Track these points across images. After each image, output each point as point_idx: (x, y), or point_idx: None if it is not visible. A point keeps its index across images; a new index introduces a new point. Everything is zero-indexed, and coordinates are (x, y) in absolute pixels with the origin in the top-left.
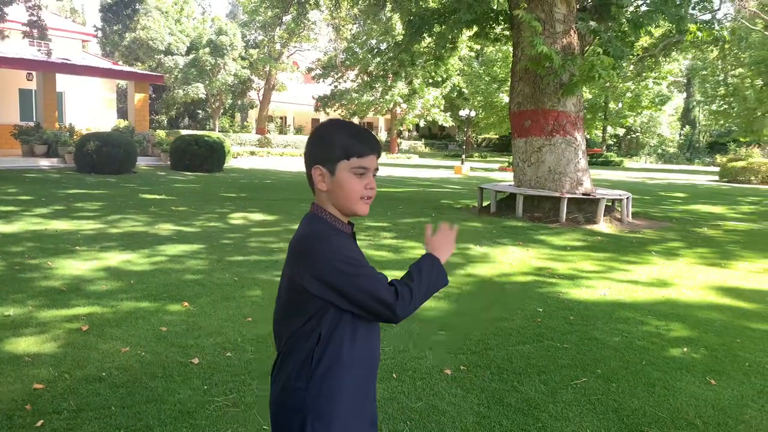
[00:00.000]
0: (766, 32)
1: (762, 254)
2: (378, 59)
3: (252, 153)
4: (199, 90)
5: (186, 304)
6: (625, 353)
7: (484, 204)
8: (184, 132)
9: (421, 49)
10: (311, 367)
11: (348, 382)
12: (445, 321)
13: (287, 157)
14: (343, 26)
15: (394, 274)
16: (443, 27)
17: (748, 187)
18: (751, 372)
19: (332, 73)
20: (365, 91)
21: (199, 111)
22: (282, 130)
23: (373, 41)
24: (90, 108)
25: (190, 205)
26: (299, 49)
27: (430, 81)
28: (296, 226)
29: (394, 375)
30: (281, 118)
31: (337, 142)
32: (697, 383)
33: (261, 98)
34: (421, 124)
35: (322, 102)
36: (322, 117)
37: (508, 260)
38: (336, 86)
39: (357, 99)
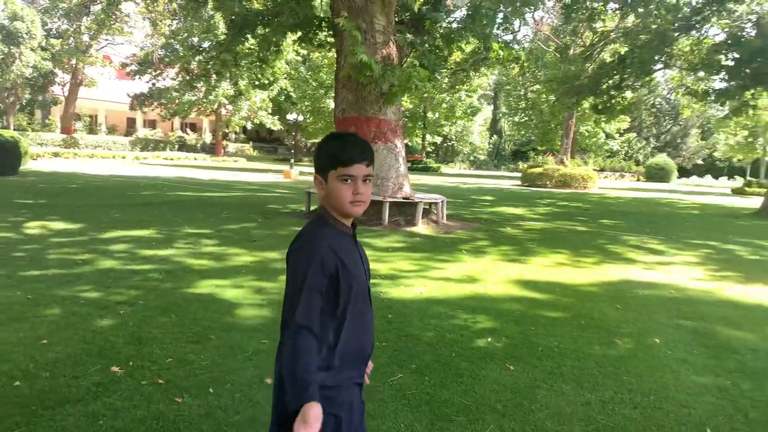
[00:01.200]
0: (557, 54)
1: (553, 250)
2: (199, 57)
3: (56, 154)
4: None
5: None
6: (437, 347)
7: (312, 208)
8: None
9: (245, 50)
10: None
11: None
12: (268, 328)
13: (98, 159)
14: (160, 21)
15: (215, 283)
16: (267, 30)
17: (544, 190)
18: (543, 356)
19: (150, 70)
20: (186, 90)
21: None
22: (92, 130)
23: (195, 39)
24: None
25: None
26: (111, 42)
27: (257, 83)
28: (105, 236)
29: (211, 390)
30: (91, 116)
31: (326, 153)
32: (499, 370)
33: (66, 94)
34: (249, 126)
35: (139, 100)
36: (139, 116)
37: None
38: (154, 84)
39: (178, 98)
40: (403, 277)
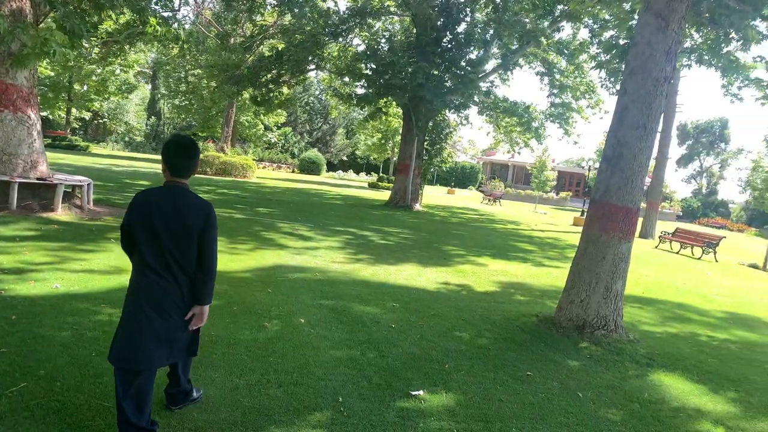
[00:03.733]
0: (218, 40)
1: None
2: None
3: None
4: None
5: None
6: (74, 347)
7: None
8: None
9: None
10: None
11: None
12: None
13: None
14: None
15: None
16: None
17: (204, 177)
18: None
19: None
20: None
21: None
22: None
23: None
24: None
25: None
26: None
27: None
28: None
29: None
30: None
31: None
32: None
33: None
34: None
35: None
36: None
37: None
38: None
39: None
40: (33, 270)
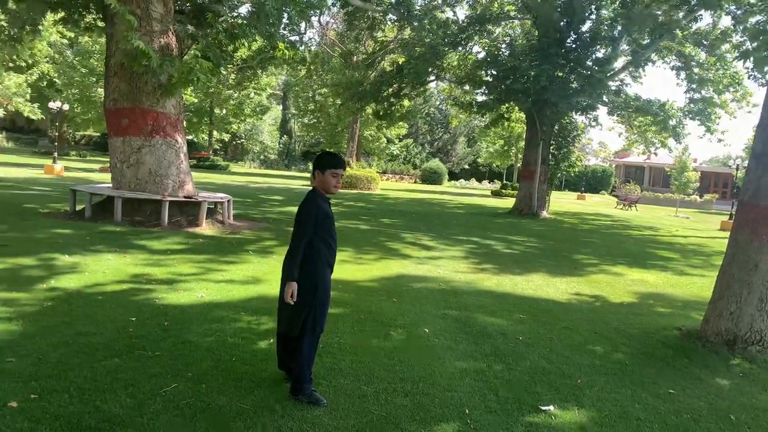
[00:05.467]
0: (342, 59)
1: (339, 249)
2: None
3: None
4: None
5: None
6: (216, 352)
7: (78, 208)
8: None
9: None
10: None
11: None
12: (17, 345)
13: None
14: None
15: None
16: (20, 4)
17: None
18: (324, 353)
19: None
20: None
21: None
22: None
23: None
24: None
25: None
26: None
27: (11, 65)
28: None
29: None
30: None
31: (325, 160)
32: (279, 371)
33: None
34: (0, 114)
35: None
36: None
37: (102, 269)
38: None
39: None
40: (182, 281)
